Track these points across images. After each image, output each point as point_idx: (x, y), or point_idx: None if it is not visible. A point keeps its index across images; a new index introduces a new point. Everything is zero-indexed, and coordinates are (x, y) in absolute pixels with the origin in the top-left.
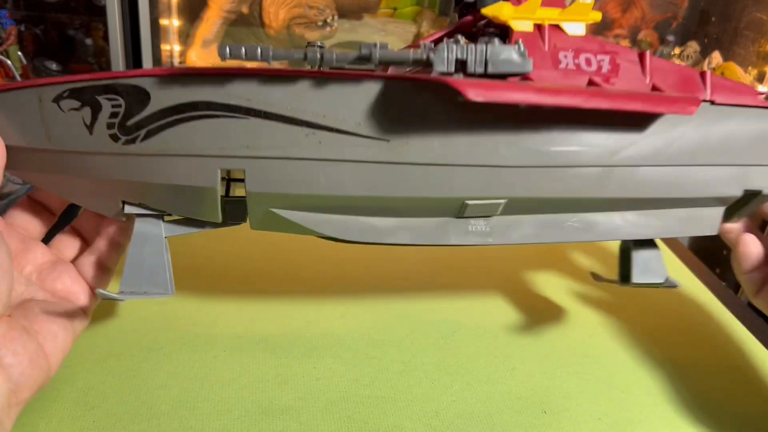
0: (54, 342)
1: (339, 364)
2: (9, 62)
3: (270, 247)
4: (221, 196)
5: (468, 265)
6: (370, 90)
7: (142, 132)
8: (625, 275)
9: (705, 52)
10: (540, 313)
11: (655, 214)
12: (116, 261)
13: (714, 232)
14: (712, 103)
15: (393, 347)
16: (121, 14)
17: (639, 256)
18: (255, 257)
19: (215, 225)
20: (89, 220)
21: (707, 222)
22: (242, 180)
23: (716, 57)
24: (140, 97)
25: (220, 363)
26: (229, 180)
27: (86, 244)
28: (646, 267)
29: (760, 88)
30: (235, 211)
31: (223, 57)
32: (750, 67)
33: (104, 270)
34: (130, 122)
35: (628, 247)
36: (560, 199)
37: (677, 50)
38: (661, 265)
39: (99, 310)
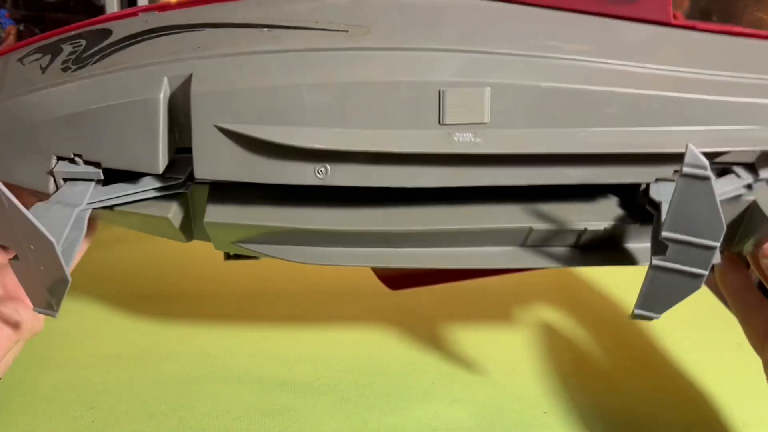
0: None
1: (339, 364)
2: None
3: None
4: (166, 130)
5: None
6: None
7: (95, 57)
8: None
9: None
10: (540, 314)
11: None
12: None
13: None
14: None
15: (393, 348)
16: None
17: None
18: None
19: (156, 187)
20: None
21: None
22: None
23: None
24: (103, 34)
25: (219, 363)
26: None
27: None
28: None
29: None
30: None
31: None
32: None
33: None
34: (86, 54)
35: None
36: (554, 89)
37: None
38: None
39: (98, 311)
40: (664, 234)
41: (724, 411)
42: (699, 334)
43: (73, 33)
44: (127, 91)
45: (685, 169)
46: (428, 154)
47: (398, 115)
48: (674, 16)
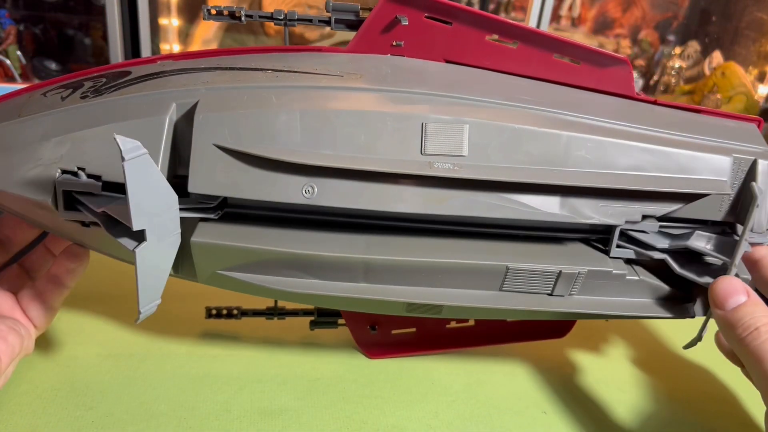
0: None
1: (339, 364)
2: (8, 62)
3: None
4: (167, 152)
5: None
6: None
7: (113, 89)
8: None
9: (705, 52)
10: None
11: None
12: (57, 298)
13: None
14: None
15: None
16: (121, 14)
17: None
18: None
19: None
20: (35, 255)
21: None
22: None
23: (717, 56)
24: (122, 74)
25: (219, 363)
26: None
27: (31, 280)
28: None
29: (761, 87)
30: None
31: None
32: (750, 67)
33: (45, 304)
34: (105, 87)
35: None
36: (527, 131)
37: (678, 50)
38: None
39: (98, 311)
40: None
41: (729, 410)
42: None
43: (96, 74)
44: (136, 112)
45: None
46: (410, 175)
47: (384, 143)
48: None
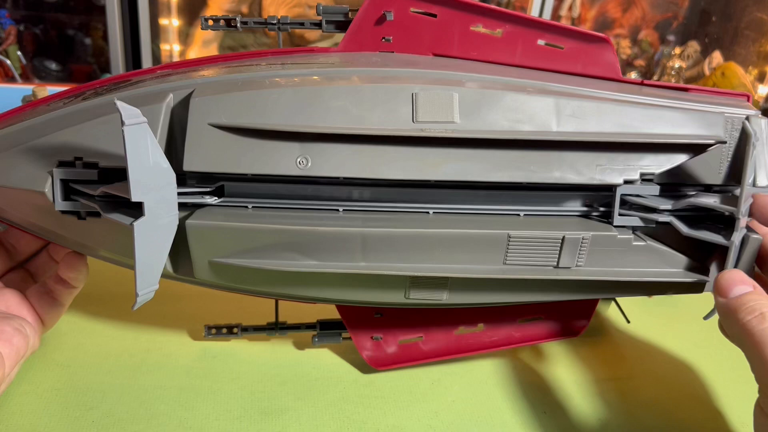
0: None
1: (339, 364)
2: (8, 62)
3: None
4: (164, 139)
5: None
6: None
7: (112, 91)
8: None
9: (705, 52)
10: None
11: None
12: (66, 296)
13: None
14: None
15: None
16: (121, 14)
17: None
18: None
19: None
20: (39, 260)
21: None
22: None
23: (717, 57)
24: (123, 81)
25: (219, 363)
26: None
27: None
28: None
29: (761, 87)
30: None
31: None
32: (750, 67)
33: (54, 300)
34: (105, 90)
35: None
36: (518, 98)
37: (678, 50)
38: None
39: (98, 311)
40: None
41: (726, 412)
42: (698, 334)
43: (98, 86)
44: (134, 104)
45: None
46: (403, 139)
47: (376, 114)
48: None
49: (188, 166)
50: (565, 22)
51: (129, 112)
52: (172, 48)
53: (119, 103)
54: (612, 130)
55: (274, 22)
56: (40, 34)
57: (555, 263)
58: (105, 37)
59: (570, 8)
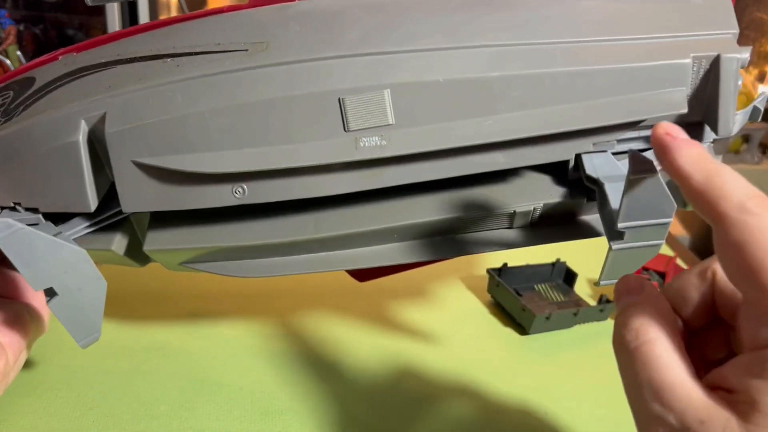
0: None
1: (339, 364)
2: (8, 62)
3: None
4: (90, 170)
5: (470, 264)
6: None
7: (20, 108)
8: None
9: None
10: None
11: None
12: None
13: None
14: None
15: (393, 349)
16: (121, 14)
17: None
18: None
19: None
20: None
21: None
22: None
23: None
24: (27, 83)
25: (219, 363)
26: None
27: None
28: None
29: (761, 87)
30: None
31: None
32: (750, 67)
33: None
34: (12, 105)
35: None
36: (454, 81)
37: None
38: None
39: None
40: (620, 225)
41: None
42: None
43: (1, 86)
44: (48, 137)
45: (633, 175)
46: (336, 164)
47: (303, 129)
48: None
49: (128, 208)
50: None
51: None
52: None
53: None
54: (559, 105)
55: None
56: (40, 34)
57: (509, 226)
58: None
59: None
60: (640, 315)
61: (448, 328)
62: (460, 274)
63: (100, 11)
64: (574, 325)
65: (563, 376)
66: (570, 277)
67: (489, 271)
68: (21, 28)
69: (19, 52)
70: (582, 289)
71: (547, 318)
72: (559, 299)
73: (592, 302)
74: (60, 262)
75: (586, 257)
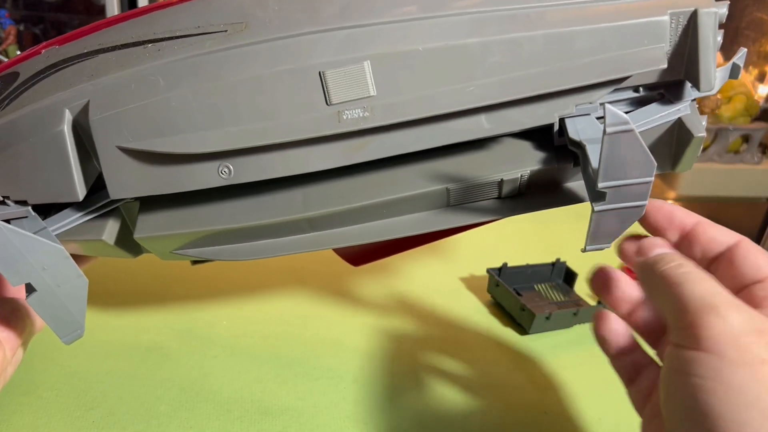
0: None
1: (339, 364)
2: None
3: None
4: (77, 158)
5: (468, 263)
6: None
7: (5, 102)
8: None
9: None
10: None
11: None
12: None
13: None
14: None
15: (393, 348)
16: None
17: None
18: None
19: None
20: None
21: None
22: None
23: (717, 57)
24: (12, 78)
25: (219, 363)
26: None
27: None
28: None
29: (761, 87)
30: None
31: None
32: (750, 67)
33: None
34: None
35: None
36: (433, 49)
37: None
38: None
39: (98, 310)
40: (601, 185)
41: None
42: None
43: None
44: (33, 129)
45: (609, 129)
46: (320, 137)
47: (286, 104)
48: None
49: (115, 195)
50: None
51: None
52: None
53: None
54: (538, 68)
55: None
56: (40, 34)
57: (498, 195)
58: None
59: None
60: (680, 258)
61: (448, 328)
62: (460, 274)
63: (100, 10)
64: (574, 325)
65: (563, 376)
66: (570, 276)
67: (489, 271)
68: (21, 28)
69: (19, 52)
70: (582, 288)
71: (547, 318)
72: (558, 299)
73: (592, 302)
74: (37, 259)
75: (586, 257)
